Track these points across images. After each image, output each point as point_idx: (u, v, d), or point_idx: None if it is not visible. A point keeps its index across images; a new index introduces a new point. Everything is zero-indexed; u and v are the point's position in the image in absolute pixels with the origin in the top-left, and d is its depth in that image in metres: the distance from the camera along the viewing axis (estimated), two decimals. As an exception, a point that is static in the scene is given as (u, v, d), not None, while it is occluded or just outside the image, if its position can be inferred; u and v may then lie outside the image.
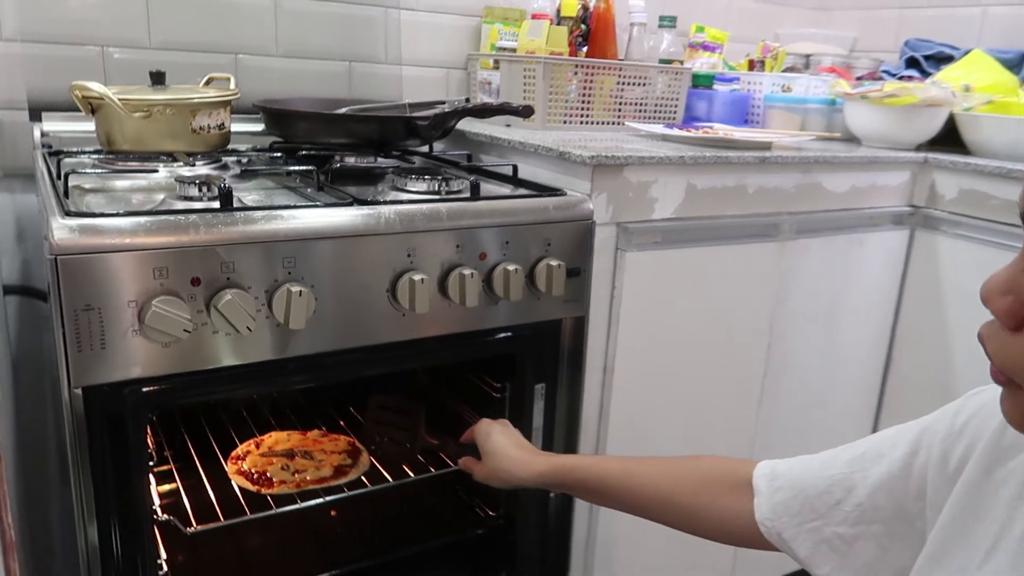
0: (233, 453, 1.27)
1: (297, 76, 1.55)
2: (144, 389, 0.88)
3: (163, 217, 0.86)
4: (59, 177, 0.98)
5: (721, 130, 1.54)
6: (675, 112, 1.71)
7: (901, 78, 1.84)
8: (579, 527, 1.32)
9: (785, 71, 1.90)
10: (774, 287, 1.46)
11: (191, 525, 1.06)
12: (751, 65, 1.95)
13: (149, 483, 0.94)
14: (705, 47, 1.91)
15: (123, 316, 0.83)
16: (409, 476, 1.25)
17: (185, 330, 0.84)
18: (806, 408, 1.61)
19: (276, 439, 1.32)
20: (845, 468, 0.70)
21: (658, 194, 1.27)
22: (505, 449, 1.01)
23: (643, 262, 1.26)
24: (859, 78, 1.87)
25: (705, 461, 0.85)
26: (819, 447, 0.75)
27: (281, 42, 1.53)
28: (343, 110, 1.40)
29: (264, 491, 1.15)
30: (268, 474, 1.19)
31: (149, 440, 1.11)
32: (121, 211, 0.86)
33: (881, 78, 1.86)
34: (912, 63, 1.92)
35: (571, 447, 1.26)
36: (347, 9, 1.58)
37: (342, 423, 1.43)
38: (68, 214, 0.83)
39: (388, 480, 1.24)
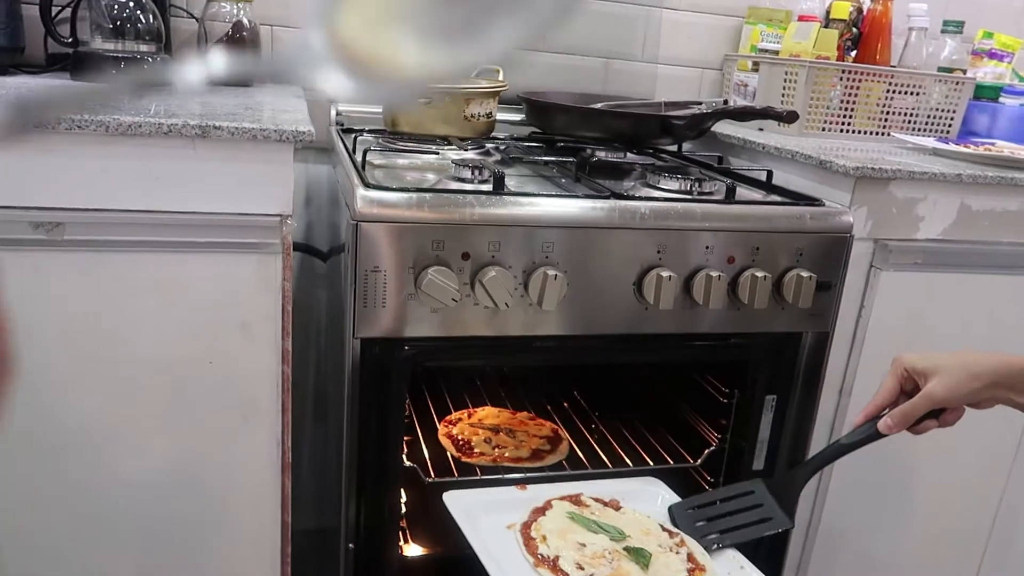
0: (447, 417, 1.36)
1: (556, 70, 1.62)
2: (407, 347, 0.98)
3: (444, 195, 0.95)
4: (356, 152, 1.11)
5: (1006, 148, 1.40)
6: (950, 125, 1.57)
7: None
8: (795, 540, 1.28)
9: (1091, 86, 1.67)
10: (1052, 327, 1.30)
11: (429, 475, 1.17)
12: (1048, 77, 1.74)
13: (402, 430, 1.04)
14: (992, 55, 1.73)
15: (403, 280, 0.93)
16: (608, 467, 1.27)
17: (453, 299, 0.93)
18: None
19: (488, 413, 1.40)
20: None
21: (925, 212, 1.18)
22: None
23: (899, 283, 1.19)
24: None
25: None
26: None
27: (546, 37, 1.60)
28: (599, 105, 1.44)
29: (463, 459, 1.22)
30: (472, 443, 1.26)
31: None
32: (410, 187, 0.96)
33: None
34: None
35: (796, 465, 1.22)
36: (611, 8, 1.62)
37: (549, 408, 1.47)
38: (368, 186, 0.94)
39: (587, 467, 1.26)
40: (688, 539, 0.95)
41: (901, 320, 1.21)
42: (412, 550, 1.22)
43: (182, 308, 0.96)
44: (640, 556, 0.89)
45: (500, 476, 1.18)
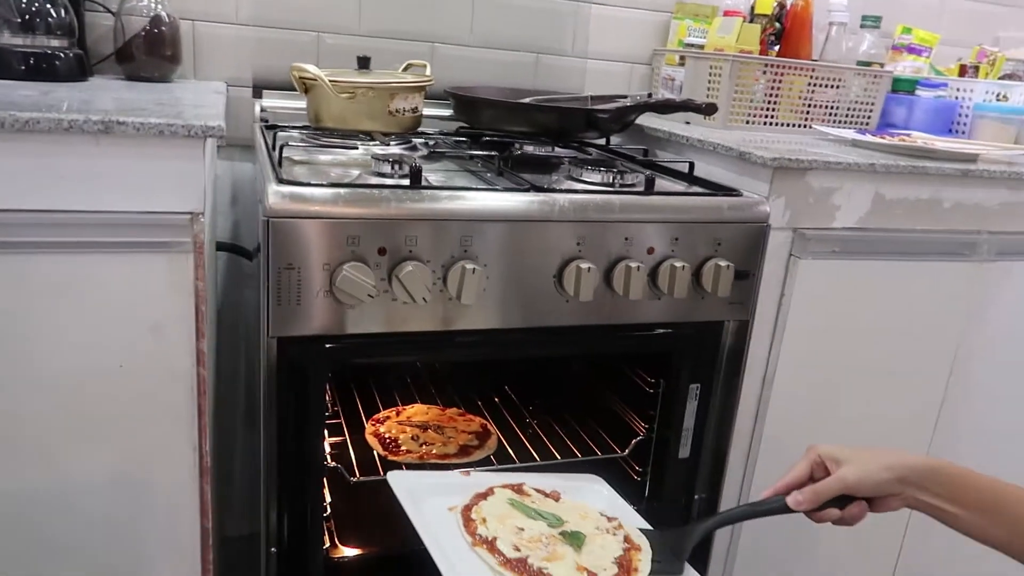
0: (375, 416, 1.35)
1: (486, 65, 1.62)
2: (328, 345, 0.97)
3: (360, 190, 0.94)
4: (274, 148, 1.09)
5: (920, 138, 1.44)
6: (869, 117, 1.61)
7: None
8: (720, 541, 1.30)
9: (1002, 78, 1.73)
10: (964, 312, 1.35)
11: (355, 475, 1.15)
12: (963, 71, 1.79)
13: (324, 431, 1.03)
14: (911, 50, 1.79)
15: (317, 277, 0.92)
16: (536, 460, 1.27)
17: (369, 295, 0.92)
18: (987, 450, 1.48)
19: (417, 410, 1.39)
20: None
21: (841, 202, 1.21)
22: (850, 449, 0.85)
23: (818, 271, 1.21)
24: (1093, 89, 1.67)
25: None
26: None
27: (476, 32, 1.60)
28: (527, 100, 1.44)
29: (390, 457, 1.21)
30: (399, 441, 1.25)
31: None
32: (325, 182, 0.95)
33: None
34: None
35: (720, 453, 1.24)
36: (540, 3, 1.62)
37: (480, 403, 1.47)
38: (281, 182, 0.93)
39: (515, 461, 1.26)
40: (626, 523, 0.95)
41: (820, 308, 1.24)
42: (341, 552, 1.21)
43: (90, 310, 0.92)
44: (575, 539, 0.90)
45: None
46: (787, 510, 0.84)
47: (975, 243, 1.31)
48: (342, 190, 0.93)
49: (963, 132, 1.63)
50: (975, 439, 1.46)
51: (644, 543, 0.91)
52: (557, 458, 1.26)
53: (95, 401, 0.95)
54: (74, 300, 0.92)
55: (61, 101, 0.98)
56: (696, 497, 1.23)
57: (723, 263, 1.07)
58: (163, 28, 1.37)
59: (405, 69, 1.42)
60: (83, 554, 1.00)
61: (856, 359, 1.30)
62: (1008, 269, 1.35)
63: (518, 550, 0.86)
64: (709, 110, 1.24)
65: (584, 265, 1.00)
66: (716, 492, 1.25)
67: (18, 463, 0.94)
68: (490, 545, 0.87)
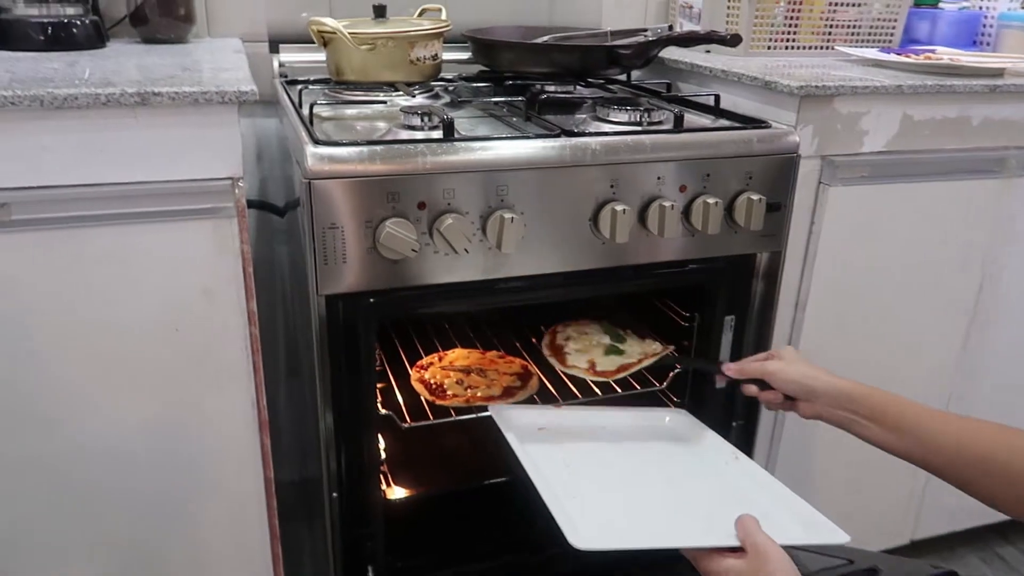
0: (419, 362, 1.38)
1: (500, 3, 1.59)
2: (373, 300, 0.99)
3: (396, 147, 0.95)
4: (302, 106, 1.10)
5: (945, 55, 1.42)
6: (892, 34, 1.59)
7: None
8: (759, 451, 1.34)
9: (1028, -15, 1.69)
10: (993, 228, 1.35)
11: (406, 421, 1.20)
12: (986, -21, 1.75)
13: (375, 381, 1.06)
14: (932, -41, 1.74)
15: (361, 234, 0.94)
16: (578, 397, 1.31)
17: (412, 249, 0.94)
18: (1016, 362, 1.50)
19: (458, 355, 1.42)
20: None
21: (869, 126, 1.21)
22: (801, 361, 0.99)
23: (847, 198, 1.22)
24: (1121, -9, 1.63)
25: None
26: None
27: (486, -30, 1.57)
28: (545, 38, 1.43)
29: (437, 401, 1.25)
30: (444, 386, 1.29)
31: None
32: (360, 140, 0.96)
33: None
34: None
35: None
36: (551, -66, 1.59)
37: (518, 345, 1.49)
38: (317, 142, 0.94)
39: (558, 399, 1.29)
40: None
41: (850, 233, 1.25)
42: (396, 493, 1.26)
43: (142, 278, 0.95)
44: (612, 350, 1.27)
45: (475, 416, 1.21)
46: (720, 373, 1.05)
47: (1004, 159, 1.31)
48: (378, 147, 0.94)
49: (988, 44, 1.61)
50: (1005, 353, 1.48)
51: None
52: (598, 394, 1.29)
53: (156, 364, 0.99)
54: (128, 269, 0.94)
55: (89, 72, 0.99)
56: (734, 424, 1.26)
57: (755, 197, 1.07)
58: (176, -11, 1.35)
59: (420, 14, 1.40)
60: (150, 511, 1.05)
61: (886, 281, 1.31)
62: (1036, 183, 1.35)
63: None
64: (734, 41, 1.23)
65: (619, 207, 1.01)
66: (753, 419, 1.29)
67: (85, 425, 0.99)
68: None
